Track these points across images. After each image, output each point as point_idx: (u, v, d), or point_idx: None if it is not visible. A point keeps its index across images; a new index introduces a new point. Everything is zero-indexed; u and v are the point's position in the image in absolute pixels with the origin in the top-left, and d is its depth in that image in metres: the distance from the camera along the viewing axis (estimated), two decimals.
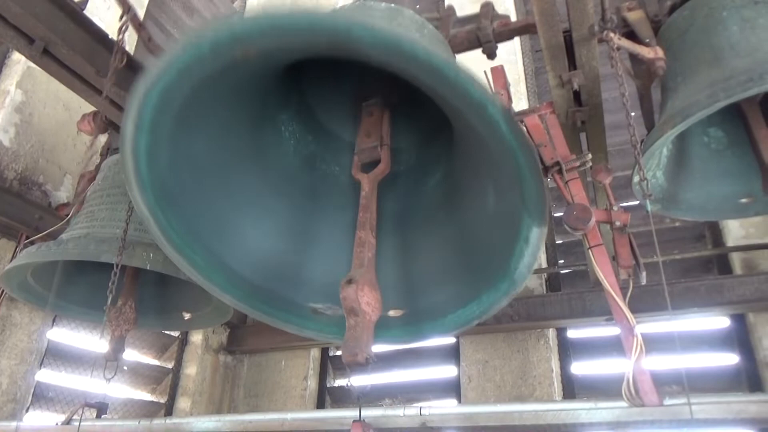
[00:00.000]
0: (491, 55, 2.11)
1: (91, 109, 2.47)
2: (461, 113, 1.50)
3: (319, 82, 2.16)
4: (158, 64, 1.25)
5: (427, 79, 1.34)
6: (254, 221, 1.90)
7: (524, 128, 2.03)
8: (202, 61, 1.29)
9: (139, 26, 2.18)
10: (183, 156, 1.55)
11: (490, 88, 2.13)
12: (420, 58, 1.22)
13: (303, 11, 1.16)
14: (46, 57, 1.96)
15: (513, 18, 4.98)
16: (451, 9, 2.32)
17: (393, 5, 1.92)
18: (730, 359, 3.45)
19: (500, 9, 2.32)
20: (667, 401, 1.51)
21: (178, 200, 1.61)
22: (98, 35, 2.32)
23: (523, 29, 2.07)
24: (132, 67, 2.24)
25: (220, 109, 1.61)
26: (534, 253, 1.60)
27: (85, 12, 2.37)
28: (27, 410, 3.20)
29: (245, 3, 5.99)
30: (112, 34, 2.34)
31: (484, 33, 2.04)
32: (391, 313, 1.88)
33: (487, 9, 2.27)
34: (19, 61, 3.51)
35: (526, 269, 1.65)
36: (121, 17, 2.15)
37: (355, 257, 1.57)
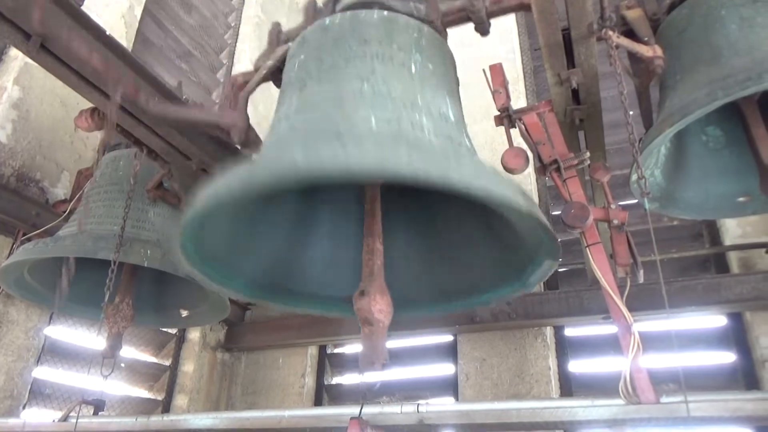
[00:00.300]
0: (484, 33, 2.09)
1: (89, 105, 2.47)
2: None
3: None
4: (204, 196, 1.39)
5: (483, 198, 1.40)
6: (279, 241, 2.07)
7: (522, 126, 2.03)
8: (241, 199, 1.53)
9: (135, 91, 2.15)
10: (221, 236, 1.80)
11: (489, 86, 2.13)
12: (476, 195, 1.28)
13: (342, 163, 1.17)
14: (44, 53, 1.95)
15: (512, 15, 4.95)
16: None
17: (386, 13, 1.88)
18: (726, 358, 3.45)
19: None
20: (664, 399, 1.51)
21: (221, 258, 1.86)
22: (96, 31, 2.31)
23: (518, 7, 2.05)
24: (128, 63, 2.23)
25: (255, 208, 1.86)
26: (546, 273, 1.74)
27: (82, 8, 2.36)
28: (24, 407, 3.19)
29: (243, 1, 5.98)
30: (110, 30, 2.33)
31: (478, 16, 2.02)
32: None
33: None
34: (16, 57, 3.50)
35: (538, 280, 1.80)
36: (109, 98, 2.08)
37: (365, 266, 1.63)
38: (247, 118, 2.18)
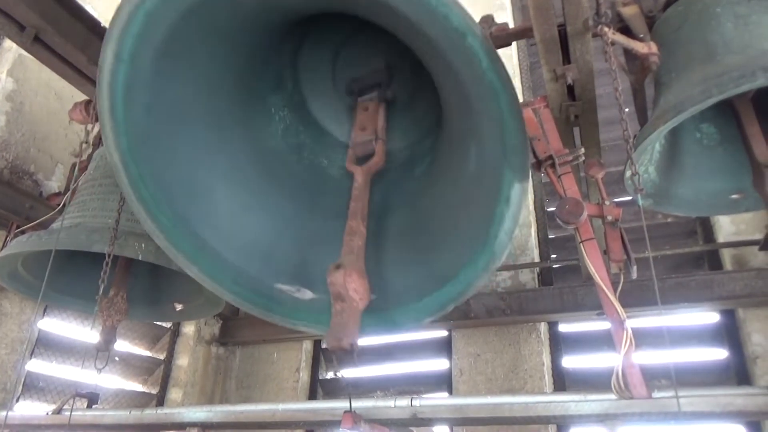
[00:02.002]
0: None
1: (83, 97, 2.46)
2: (443, 57, 1.48)
3: (314, 75, 2.16)
4: None
5: (407, 8, 1.32)
6: (229, 194, 1.85)
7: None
8: None
9: None
10: (164, 99, 1.43)
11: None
12: None
13: None
14: (38, 45, 1.94)
15: (510, 16, 4.94)
16: None
17: None
18: (719, 354, 3.48)
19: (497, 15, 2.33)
20: (656, 394, 1.52)
21: (154, 151, 1.51)
22: (91, 23, 2.30)
23: (521, 33, 2.07)
24: None
25: (208, 55, 1.48)
26: (515, 216, 1.55)
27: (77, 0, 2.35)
28: (17, 400, 3.19)
29: None
30: (105, 22, 2.33)
31: None
32: None
33: (487, 19, 2.31)
34: (10, 49, 3.48)
35: (507, 237, 1.58)
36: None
37: (345, 245, 1.59)
38: None
